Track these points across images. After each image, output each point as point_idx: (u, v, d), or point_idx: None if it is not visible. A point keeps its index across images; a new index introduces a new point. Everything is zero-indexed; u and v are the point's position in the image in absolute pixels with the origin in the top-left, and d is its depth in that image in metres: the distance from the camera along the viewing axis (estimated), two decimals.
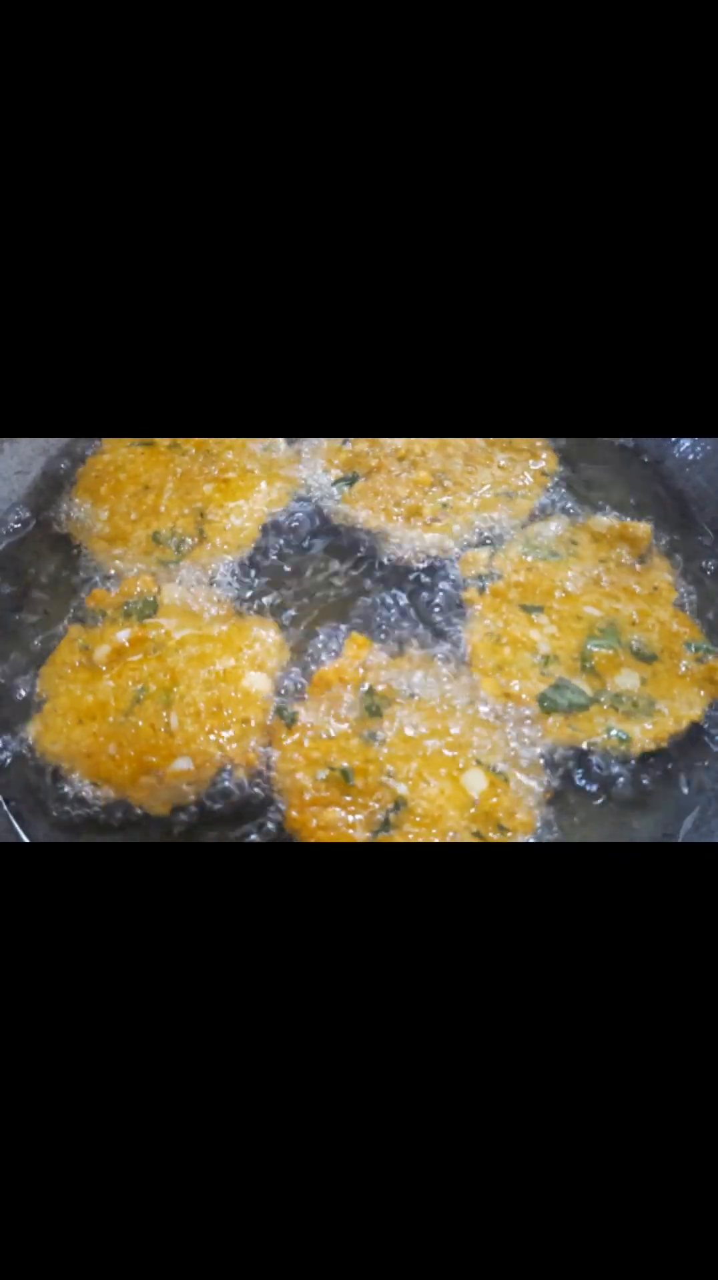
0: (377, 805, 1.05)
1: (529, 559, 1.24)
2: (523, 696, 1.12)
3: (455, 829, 1.04)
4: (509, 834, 1.05)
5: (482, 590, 1.21)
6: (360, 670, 1.14)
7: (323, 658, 1.19)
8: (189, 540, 1.28)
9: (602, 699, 1.12)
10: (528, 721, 1.11)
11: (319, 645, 1.21)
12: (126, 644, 1.18)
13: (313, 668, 1.17)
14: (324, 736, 1.10)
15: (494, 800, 1.06)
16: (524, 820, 1.06)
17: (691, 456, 1.38)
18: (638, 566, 1.26)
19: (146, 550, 1.28)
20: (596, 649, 1.15)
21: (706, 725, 1.15)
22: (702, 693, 1.15)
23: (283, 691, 1.16)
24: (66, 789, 1.13)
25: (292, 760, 1.09)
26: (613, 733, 1.10)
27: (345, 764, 1.07)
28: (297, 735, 1.10)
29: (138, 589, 1.23)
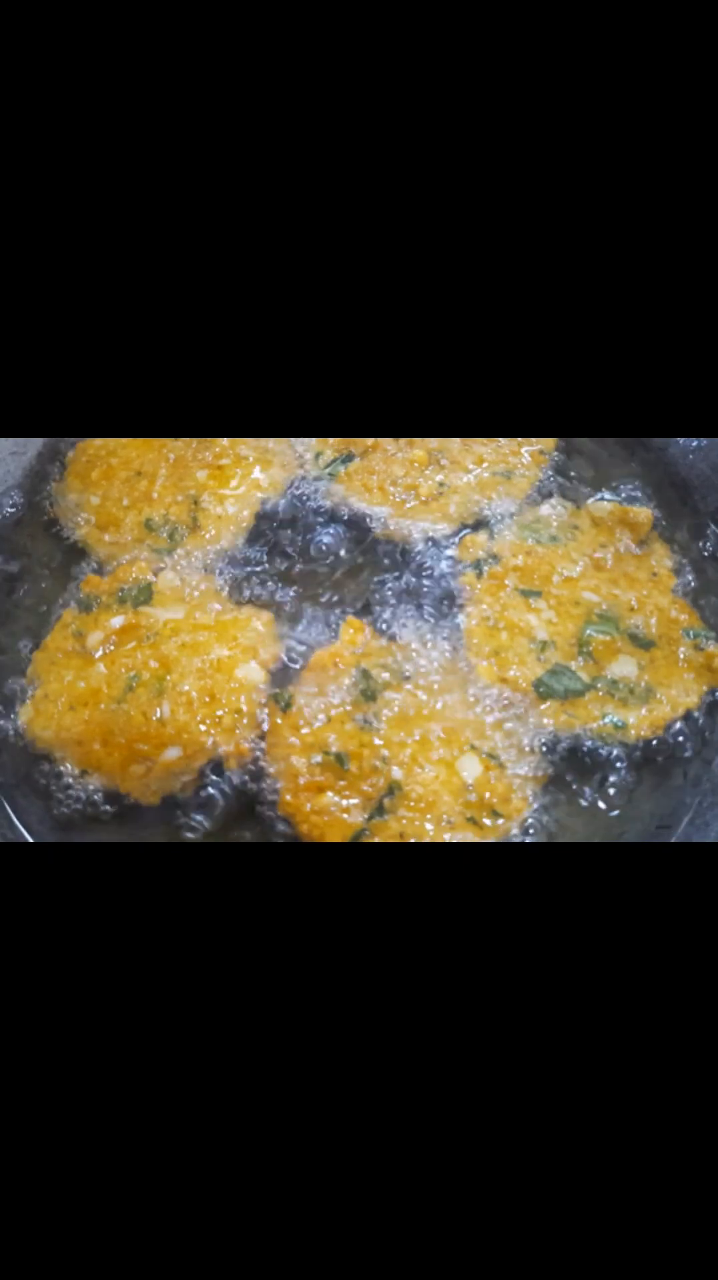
0: (371, 790, 1.07)
1: (528, 543, 1.25)
2: (519, 682, 1.14)
3: (450, 814, 1.06)
4: (503, 820, 1.06)
5: (479, 574, 1.23)
6: (356, 654, 1.15)
7: (319, 642, 1.21)
8: (182, 528, 1.29)
9: (598, 685, 1.14)
10: (524, 707, 1.13)
11: (315, 631, 1.23)
12: (120, 631, 1.20)
13: (308, 653, 1.18)
14: (319, 721, 1.11)
15: (489, 786, 1.08)
16: (518, 806, 1.08)
17: (694, 444, 1.39)
18: (638, 552, 1.27)
19: (139, 537, 1.29)
20: (594, 635, 1.17)
21: (702, 714, 1.16)
22: (700, 681, 1.16)
23: (277, 678, 1.17)
24: (57, 776, 1.15)
25: (286, 744, 1.11)
26: (609, 719, 1.12)
27: (340, 749, 1.09)
28: (292, 719, 1.12)
29: (133, 575, 1.25)
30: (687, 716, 1.15)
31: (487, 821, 1.06)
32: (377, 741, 1.10)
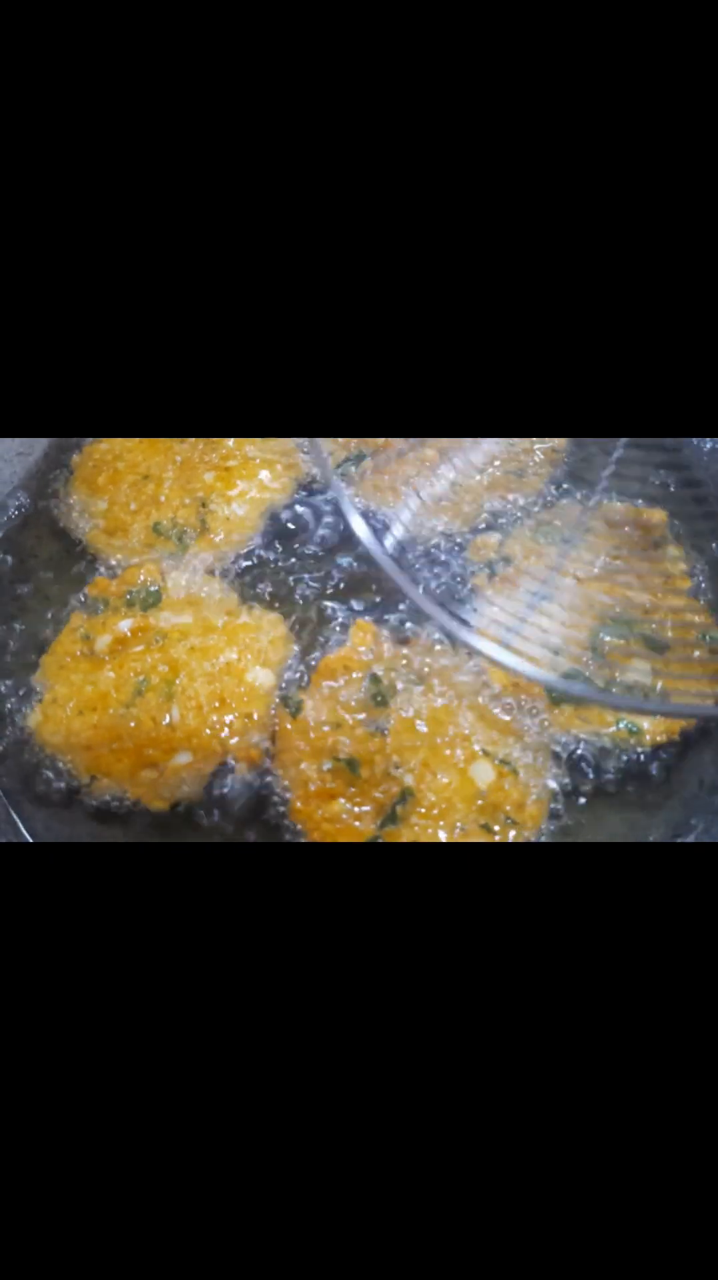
0: (383, 796, 1.07)
1: (541, 543, 1.25)
2: (532, 687, 1.13)
3: (463, 821, 1.06)
4: (517, 826, 1.06)
5: (491, 576, 1.22)
6: (366, 658, 1.15)
7: (329, 647, 1.21)
8: (191, 531, 1.29)
9: (612, 689, 1.13)
10: (536, 712, 1.12)
11: (325, 635, 1.22)
12: (129, 634, 1.20)
13: (318, 658, 1.18)
14: (329, 726, 1.11)
15: (502, 792, 1.08)
16: (533, 812, 1.07)
17: (707, 446, 1.38)
18: (653, 554, 1.26)
19: (148, 541, 1.29)
20: (607, 638, 1.16)
21: None
22: (715, 685, 1.15)
23: (286, 682, 1.17)
24: (65, 781, 1.15)
25: (296, 750, 1.10)
26: (623, 724, 1.11)
27: (351, 754, 1.08)
28: (301, 725, 1.12)
29: (141, 577, 1.24)
30: (702, 722, 1.15)
31: (500, 827, 1.06)
32: (388, 748, 1.09)
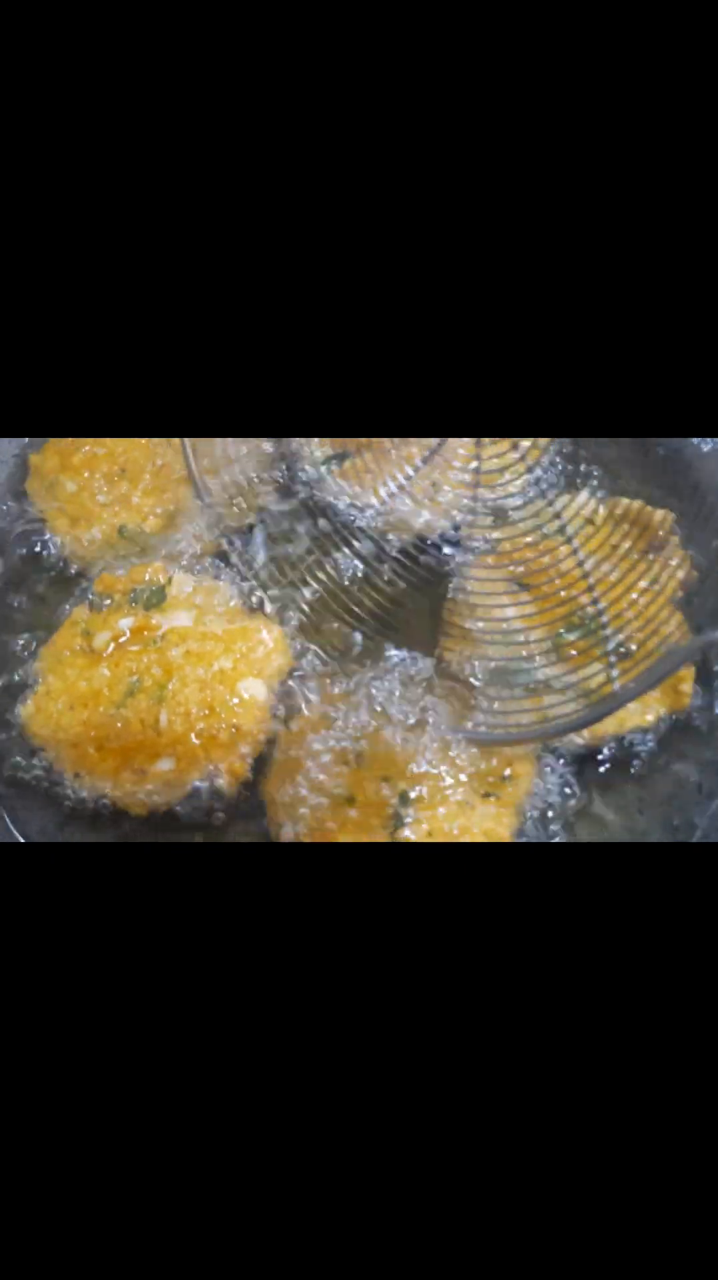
0: (384, 808, 1.08)
1: (537, 533, 1.24)
2: (476, 669, 1.15)
3: (467, 797, 1.08)
4: (513, 780, 1.09)
5: (473, 555, 1.22)
6: (333, 699, 1.17)
7: (318, 666, 1.23)
8: (155, 540, 1.30)
9: (554, 684, 1.13)
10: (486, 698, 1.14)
11: (317, 653, 1.24)
12: (128, 633, 1.20)
13: (311, 682, 1.20)
14: (317, 775, 1.12)
15: (490, 765, 1.10)
16: (525, 765, 1.10)
17: (705, 448, 1.36)
18: (650, 557, 1.22)
19: (109, 541, 1.30)
20: (567, 637, 1.15)
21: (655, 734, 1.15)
22: (662, 703, 1.14)
23: (282, 694, 1.19)
24: (51, 778, 1.17)
25: (292, 799, 1.12)
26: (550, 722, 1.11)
27: (344, 791, 1.10)
28: (291, 775, 1.13)
29: (147, 575, 1.25)
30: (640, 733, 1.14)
31: (502, 785, 1.08)
32: (376, 770, 1.11)
